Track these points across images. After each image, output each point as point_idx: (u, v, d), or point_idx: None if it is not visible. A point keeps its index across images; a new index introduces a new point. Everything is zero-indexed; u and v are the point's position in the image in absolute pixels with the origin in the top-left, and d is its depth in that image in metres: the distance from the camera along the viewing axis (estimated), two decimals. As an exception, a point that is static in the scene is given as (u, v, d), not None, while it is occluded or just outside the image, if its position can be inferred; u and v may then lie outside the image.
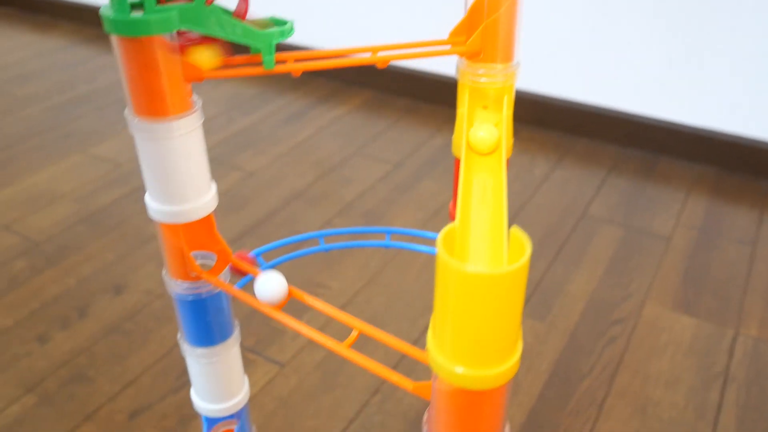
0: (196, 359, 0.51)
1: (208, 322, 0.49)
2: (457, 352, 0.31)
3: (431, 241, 0.58)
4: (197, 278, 0.46)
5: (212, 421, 0.56)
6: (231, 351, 0.51)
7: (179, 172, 0.41)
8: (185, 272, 0.46)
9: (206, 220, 0.45)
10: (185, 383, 1.03)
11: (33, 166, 1.59)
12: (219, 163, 1.58)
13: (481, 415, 0.33)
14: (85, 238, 1.34)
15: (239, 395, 0.54)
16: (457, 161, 0.52)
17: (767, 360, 1.07)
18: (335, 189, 1.50)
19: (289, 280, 1.22)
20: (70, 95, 1.93)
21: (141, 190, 1.49)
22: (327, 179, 1.54)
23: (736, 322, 1.14)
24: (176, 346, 1.09)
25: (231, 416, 0.56)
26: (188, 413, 0.98)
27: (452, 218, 0.55)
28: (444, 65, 1.82)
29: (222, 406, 0.54)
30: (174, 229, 0.44)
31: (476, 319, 0.30)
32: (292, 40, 2.02)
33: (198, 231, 0.45)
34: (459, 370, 0.31)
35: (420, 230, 0.56)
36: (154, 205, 0.43)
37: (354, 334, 0.40)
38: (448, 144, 1.68)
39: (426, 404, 0.99)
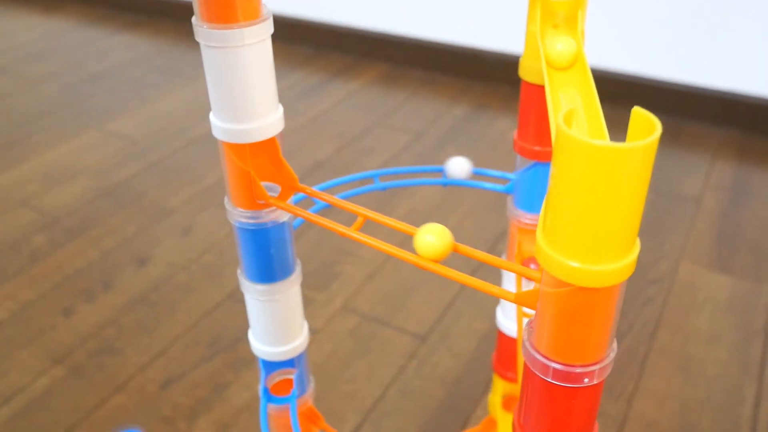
0: (255, 297, 0.49)
1: (270, 255, 0.47)
2: (573, 244, 0.29)
3: (489, 179, 0.56)
4: (262, 206, 0.44)
5: (270, 367, 0.54)
6: (292, 290, 0.49)
7: (247, 85, 0.39)
8: (249, 199, 0.44)
9: (272, 142, 0.42)
10: (217, 352, 1.01)
11: (49, 143, 1.56)
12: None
13: (592, 319, 0.31)
14: (104, 212, 1.32)
15: (299, 338, 0.52)
16: (526, 85, 0.50)
17: (809, 316, 1.05)
18: (357, 159, 1.48)
19: (322, 245, 1.20)
20: (82, 74, 1.90)
21: (159, 165, 1.47)
22: (348, 150, 1.51)
23: (774, 280, 1.12)
24: (205, 316, 1.07)
25: (289, 362, 0.54)
26: (222, 382, 0.96)
27: (516, 149, 0.53)
28: (459, 35, 1.79)
29: (281, 349, 0.52)
30: (240, 149, 0.42)
31: (598, 204, 0.27)
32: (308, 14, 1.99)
33: (264, 154, 0.43)
34: (574, 264, 0.29)
35: (477, 167, 0.54)
36: (219, 123, 0.40)
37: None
38: (469, 113, 1.65)
39: (464, 369, 0.97)
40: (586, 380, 0.33)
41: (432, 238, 0.36)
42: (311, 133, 1.58)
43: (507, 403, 0.69)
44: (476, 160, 1.46)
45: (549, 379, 0.33)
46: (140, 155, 1.51)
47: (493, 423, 0.70)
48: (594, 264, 0.29)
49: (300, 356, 0.54)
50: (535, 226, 0.55)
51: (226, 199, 0.45)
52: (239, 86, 0.39)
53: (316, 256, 1.19)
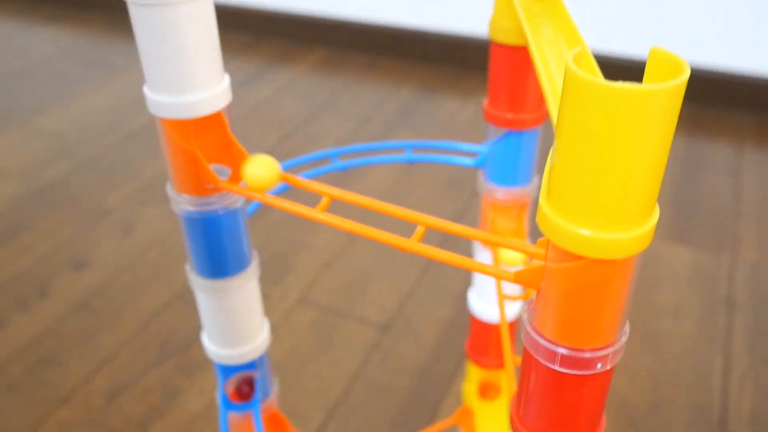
0: (208, 295, 0.43)
1: (222, 247, 0.41)
2: (584, 210, 0.25)
3: (456, 153, 0.52)
4: (211, 191, 0.39)
5: (228, 372, 0.48)
6: (249, 284, 0.44)
7: (187, 50, 0.33)
8: (196, 184, 0.38)
9: (219, 118, 0.37)
10: (168, 356, 0.95)
11: (-31, 146, 1.46)
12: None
13: (605, 297, 0.27)
14: (35, 215, 1.23)
15: (259, 338, 0.47)
16: (496, 47, 0.45)
17: (769, 282, 1.05)
18: (304, 147, 1.42)
19: (274, 236, 1.14)
20: (2, 70, 1.78)
21: (92, 163, 1.38)
22: (294, 138, 1.45)
23: (732, 248, 1.12)
24: (153, 318, 1.01)
25: (250, 365, 0.48)
26: (175, 387, 0.90)
27: (487, 118, 0.48)
28: (400, 16, 1.74)
29: (239, 351, 0.46)
30: (182, 127, 0.36)
31: (616, 159, 0.23)
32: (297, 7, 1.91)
33: (210, 131, 0.37)
34: (585, 233, 0.25)
35: (441, 141, 0.50)
36: (156, 97, 0.35)
37: (420, 229, 0.34)
38: (415, 96, 1.61)
39: (430, 358, 0.93)
40: (598, 366, 0.29)
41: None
42: (253, 122, 1.52)
43: (483, 390, 0.65)
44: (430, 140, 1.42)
45: (556, 367, 0.29)
46: (71, 153, 1.41)
47: (467, 413, 0.66)
48: (609, 232, 0.25)
49: (261, 357, 0.48)
50: (509, 201, 0.51)
51: (168, 186, 0.39)
52: (178, 51, 0.33)
53: (268, 248, 1.13)
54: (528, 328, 0.30)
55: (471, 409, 0.66)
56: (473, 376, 0.64)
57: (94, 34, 1.99)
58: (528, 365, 0.31)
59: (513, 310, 0.58)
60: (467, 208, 1.22)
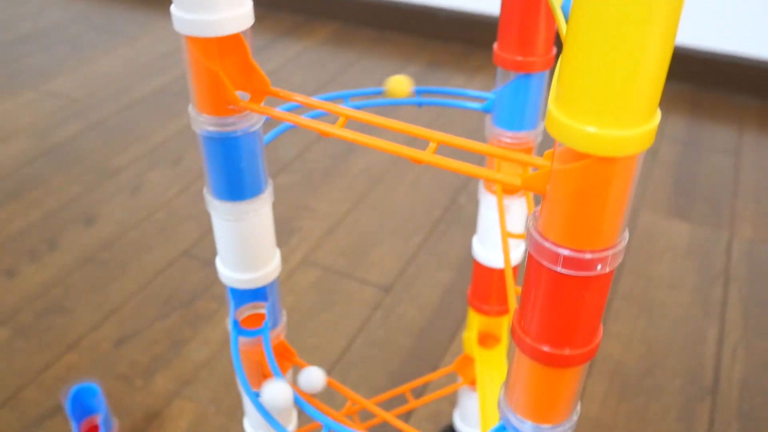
0: (224, 217, 0.45)
1: (240, 169, 0.43)
2: (591, 106, 0.27)
3: (464, 98, 0.53)
4: (232, 112, 0.40)
5: (239, 297, 0.50)
6: (263, 209, 0.46)
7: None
8: (217, 103, 0.40)
9: (240, 42, 0.39)
10: (174, 308, 0.97)
11: (-20, 104, 1.47)
12: (185, 95, 1.50)
13: (608, 197, 0.29)
14: (45, 172, 1.25)
15: (270, 265, 0.49)
16: None
17: (765, 257, 1.07)
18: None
19: (278, 200, 1.16)
20: (14, 34, 1.79)
21: (101, 124, 1.40)
22: (301, 108, 1.47)
23: (730, 225, 1.14)
24: (160, 273, 1.02)
25: (260, 292, 0.50)
26: (180, 338, 0.92)
27: (497, 61, 0.50)
28: (412, -7, 1.76)
29: (251, 275, 0.48)
30: (206, 45, 0.38)
31: (624, 53, 0.25)
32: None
33: (232, 54, 0.39)
34: (591, 129, 0.27)
35: (450, 88, 0.52)
36: (183, 14, 0.36)
37: (432, 145, 0.35)
38: (423, 71, 1.62)
39: (430, 318, 0.95)
40: (598, 267, 0.31)
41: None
42: (262, 91, 1.53)
43: (483, 339, 0.67)
44: (432, 119, 1.44)
45: (558, 269, 0.31)
46: (81, 115, 1.43)
47: (468, 360, 0.68)
48: (614, 128, 0.27)
49: (272, 285, 0.50)
50: (516, 145, 0.53)
51: (190, 107, 0.41)
52: (206, -32, 0.35)
53: (272, 212, 1.15)
54: (533, 232, 0.32)
55: (471, 356, 0.68)
56: (474, 324, 0.66)
57: (104, 1, 2.00)
58: (532, 273, 0.33)
59: (516, 254, 0.60)
60: (468, 182, 1.23)
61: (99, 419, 0.72)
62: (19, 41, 1.75)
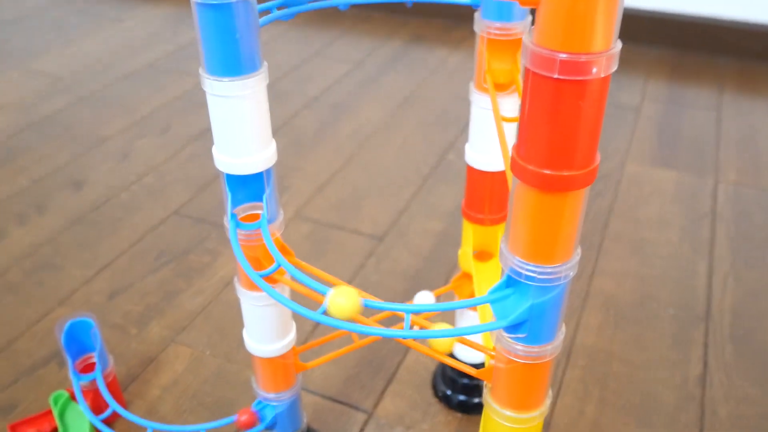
0: (219, 100, 0.45)
1: (235, 41, 0.43)
2: None
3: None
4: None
5: (236, 186, 0.50)
6: (259, 87, 0.46)
7: None
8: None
9: None
10: (166, 263, 0.96)
11: (-36, 84, 1.46)
12: (171, 71, 1.50)
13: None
14: (33, 142, 1.24)
15: (267, 150, 0.49)
16: None
17: (750, 199, 1.08)
18: (298, 86, 1.44)
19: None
20: (-4, 21, 1.79)
21: (88, 98, 1.39)
22: (288, 78, 1.47)
23: (715, 171, 1.15)
24: (151, 231, 1.02)
25: (257, 179, 0.50)
26: (173, 290, 0.92)
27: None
28: (394, -29, 1.77)
29: (248, 159, 0.48)
30: None
31: None
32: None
33: None
34: None
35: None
36: None
37: None
38: (407, 44, 1.64)
39: (424, 263, 0.96)
40: (594, 70, 0.32)
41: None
42: (248, 66, 1.53)
43: (479, 256, 0.67)
44: (416, 86, 1.45)
45: (555, 75, 0.32)
46: (67, 90, 1.42)
47: (465, 278, 0.69)
48: None
49: (269, 174, 0.51)
50: (504, 35, 0.53)
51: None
52: None
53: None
54: (530, 45, 0.32)
55: (468, 273, 0.68)
56: (469, 238, 0.66)
57: (86, -9, 2.00)
58: (529, 92, 0.33)
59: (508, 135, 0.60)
60: (456, 141, 1.24)
61: (94, 355, 0.71)
62: (2, 25, 1.75)
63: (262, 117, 0.48)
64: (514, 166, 0.36)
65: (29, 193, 1.10)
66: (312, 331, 0.85)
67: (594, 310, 0.88)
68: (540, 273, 0.39)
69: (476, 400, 0.75)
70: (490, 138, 0.60)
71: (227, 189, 0.50)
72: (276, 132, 1.27)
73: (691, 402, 0.76)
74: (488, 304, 0.42)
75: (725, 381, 0.79)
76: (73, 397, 0.72)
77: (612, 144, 1.23)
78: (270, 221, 0.52)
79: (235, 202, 0.52)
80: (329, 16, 1.79)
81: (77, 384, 0.70)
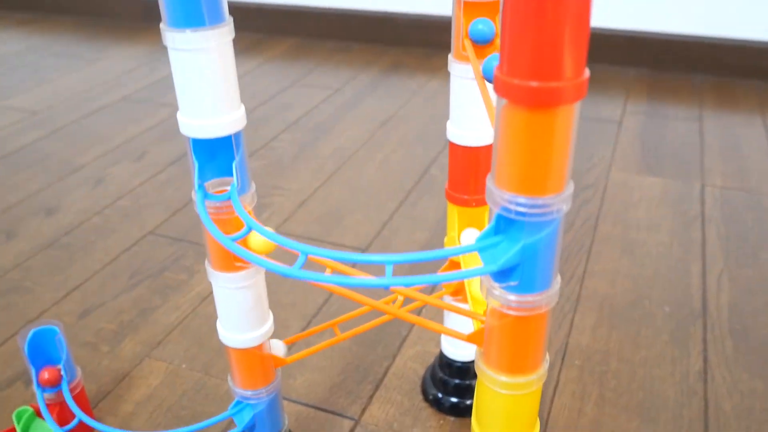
0: (182, 55, 0.43)
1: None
2: None
3: None
4: None
5: (202, 151, 0.47)
6: (225, 40, 0.43)
7: None
8: None
9: None
10: (141, 281, 0.92)
11: (-65, 121, 1.43)
12: (146, 102, 1.48)
13: None
14: (3, 172, 1.21)
15: (235, 112, 0.46)
16: None
17: (738, 201, 1.07)
18: (277, 113, 1.42)
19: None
20: (-30, 63, 1.77)
21: (62, 130, 1.37)
22: (267, 106, 1.46)
23: (700, 176, 1.14)
24: (125, 252, 0.98)
25: (226, 142, 0.47)
26: (148, 306, 0.87)
27: None
28: (370, 1, 1.78)
29: (214, 121, 0.45)
30: None
31: None
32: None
33: None
34: None
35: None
36: None
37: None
38: (386, 71, 1.64)
39: (409, 270, 0.92)
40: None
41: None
42: (226, 96, 1.52)
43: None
44: (397, 108, 1.44)
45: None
46: (42, 124, 1.40)
47: (453, 267, 0.65)
48: None
49: (238, 138, 0.48)
50: (483, -2, 0.52)
51: None
52: None
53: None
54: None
55: (455, 261, 0.65)
56: (454, 223, 0.63)
57: (63, 34, 1.99)
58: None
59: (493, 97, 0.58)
60: (439, 156, 1.22)
61: (60, 366, 0.66)
62: (-25, 69, 1.73)
63: (228, 74, 0.45)
64: (497, 84, 0.34)
65: (-1, 220, 1.07)
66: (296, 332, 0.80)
67: (587, 311, 0.85)
68: (531, 207, 0.36)
69: (468, 402, 0.70)
70: (471, 111, 0.57)
71: (194, 157, 0.47)
72: (254, 154, 1.25)
73: (694, 397, 0.72)
74: (476, 252, 0.39)
75: (727, 375, 0.75)
76: (38, 413, 0.67)
77: (596, 154, 1.22)
78: (241, 193, 0.49)
79: (203, 173, 0.49)
80: (304, 49, 1.80)
81: (41, 396, 0.65)
